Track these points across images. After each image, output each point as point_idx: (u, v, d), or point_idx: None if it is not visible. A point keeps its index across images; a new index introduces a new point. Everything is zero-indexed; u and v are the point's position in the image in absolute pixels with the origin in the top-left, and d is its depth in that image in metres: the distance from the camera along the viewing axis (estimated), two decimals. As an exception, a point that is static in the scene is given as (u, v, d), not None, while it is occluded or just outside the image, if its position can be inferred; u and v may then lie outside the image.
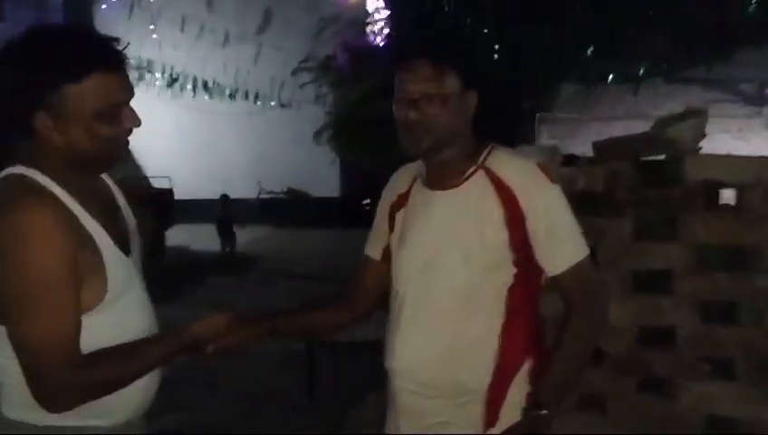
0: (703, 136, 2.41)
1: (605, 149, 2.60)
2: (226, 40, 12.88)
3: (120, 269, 1.30)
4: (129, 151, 1.34)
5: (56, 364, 1.19)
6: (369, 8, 10.81)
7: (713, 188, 2.39)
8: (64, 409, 1.23)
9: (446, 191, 1.50)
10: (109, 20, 12.87)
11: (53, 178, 1.24)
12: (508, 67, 7.06)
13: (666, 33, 6.48)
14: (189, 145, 13.16)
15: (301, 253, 9.82)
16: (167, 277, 7.97)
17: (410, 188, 1.58)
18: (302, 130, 10.72)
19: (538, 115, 7.97)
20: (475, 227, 1.45)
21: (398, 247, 1.57)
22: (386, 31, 10.10)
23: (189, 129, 13.06)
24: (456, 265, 1.46)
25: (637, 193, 2.51)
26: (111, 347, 1.27)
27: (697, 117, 2.43)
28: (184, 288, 7.78)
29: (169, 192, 10.86)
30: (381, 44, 10.13)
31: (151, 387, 1.39)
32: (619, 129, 5.23)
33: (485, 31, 6.81)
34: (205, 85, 11.84)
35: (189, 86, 11.93)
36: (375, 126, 8.72)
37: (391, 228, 1.61)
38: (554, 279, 1.48)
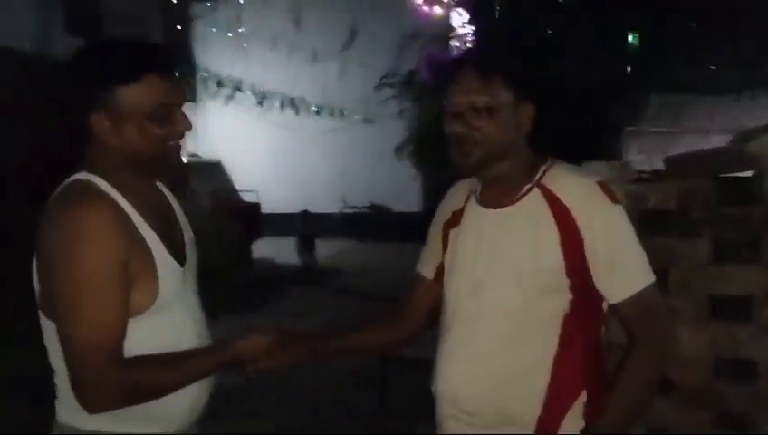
0: (788, 151, 2.20)
1: (678, 165, 2.44)
2: (314, 58, 13.24)
3: (172, 276, 1.33)
4: (180, 156, 1.40)
5: (98, 362, 1.22)
6: (454, 23, 10.81)
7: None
8: (102, 408, 1.25)
9: (499, 210, 1.45)
10: (205, 41, 13.59)
11: (112, 183, 1.30)
12: (592, 76, 6.83)
13: (765, 41, 6.04)
14: (277, 160, 13.59)
15: (380, 267, 9.87)
16: (251, 288, 8.25)
17: (465, 205, 1.53)
18: (384, 145, 10.81)
19: (626, 128, 7.64)
20: (528, 249, 1.38)
21: (452, 266, 1.51)
22: (469, 45, 10.05)
23: (277, 145, 13.49)
24: (507, 289, 1.39)
25: (714, 212, 2.33)
26: (155, 355, 1.30)
27: (781, 130, 2.23)
28: (266, 298, 8.01)
29: (257, 206, 11.24)
30: (464, 58, 10.08)
31: (201, 397, 1.41)
32: (714, 143, 4.91)
33: (567, 40, 6.62)
34: (291, 102, 12.22)
35: (278, 103, 12.35)
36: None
37: (445, 247, 1.56)
38: (615, 308, 1.39)
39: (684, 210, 2.36)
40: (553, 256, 1.36)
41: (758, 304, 2.27)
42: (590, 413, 1.38)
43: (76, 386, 1.24)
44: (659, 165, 3.45)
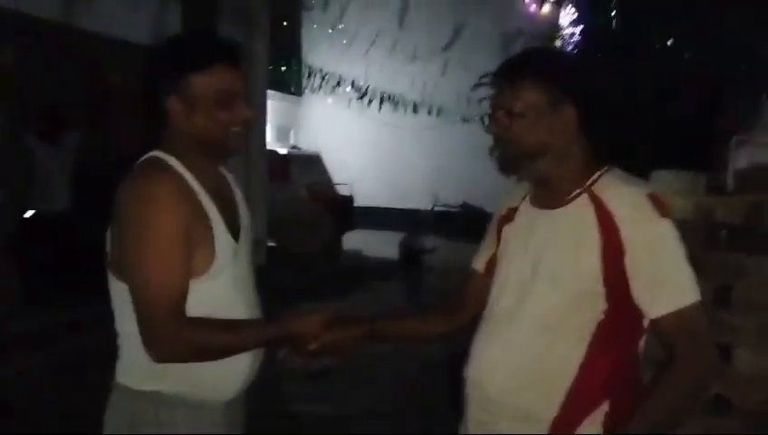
0: None
1: (748, 178, 2.34)
2: (415, 55, 13.35)
3: (227, 249, 1.45)
4: (242, 142, 1.49)
5: (164, 315, 1.32)
6: (563, 21, 10.56)
7: None
8: (167, 359, 1.36)
9: (548, 211, 1.47)
10: (311, 37, 14.07)
11: (181, 161, 1.43)
12: (697, 80, 6.48)
13: None
14: (373, 155, 13.85)
15: (467, 265, 9.84)
16: (337, 277, 8.51)
17: (521, 202, 1.58)
18: (481, 145, 10.67)
19: (735, 137, 7.18)
20: (569, 252, 1.39)
21: (502, 260, 1.56)
22: (575, 43, 9.79)
23: (374, 140, 13.74)
24: (546, 289, 1.42)
25: (783, 229, 2.23)
26: (216, 319, 1.41)
27: None
28: (350, 289, 8.22)
29: (350, 199, 11.52)
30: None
31: (251, 369, 1.51)
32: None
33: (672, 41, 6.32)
34: (391, 99, 12.39)
35: (377, 99, 12.56)
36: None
37: (498, 241, 1.60)
38: (654, 323, 1.36)
39: (752, 225, 2.27)
40: (592, 263, 1.36)
41: (826, 328, 2.15)
42: (610, 424, 1.37)
43: (144, 337, 1.34)
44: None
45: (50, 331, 4.74)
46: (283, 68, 12.72)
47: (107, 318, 1.48)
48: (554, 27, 10.43)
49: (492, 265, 1.60)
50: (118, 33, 6.02)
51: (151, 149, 1.47)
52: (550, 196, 1.47)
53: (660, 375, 1.35)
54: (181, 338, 1.35)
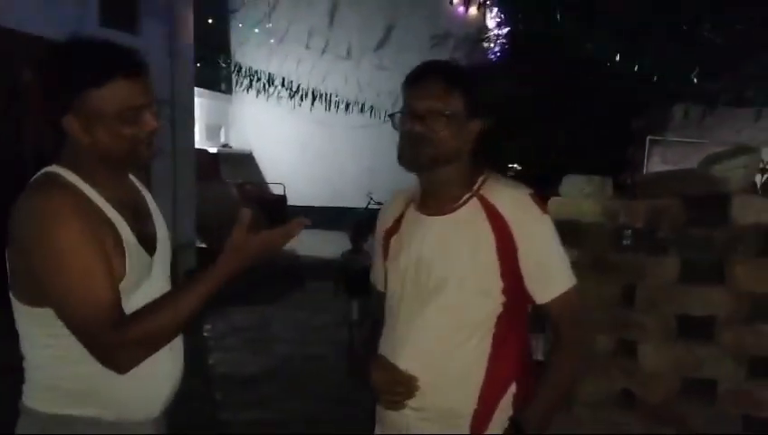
0: (754, 175, 2.21)
1: (648, 184, 2.46)
2: (348, 54, 13.34)
3: (138, 262, 1.37)
4: (152, 151, 1.39)
5: (100, 326, 1.24)
6: (490, 24, 10.76)
7: (765, 233, 2.19)
8: (125, 368, 1.28)
9: (440, 217, 1.53)
10: (240, 36, 13.83)
11: (80, 175, 1.34)
12: (616, 85, 6.75)
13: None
14: (306, 154, 13.75)
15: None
16: (271, 279, 8.41)
17: (404, 212, 1.62)
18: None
19: (649, 138, 7.53)
20: (468, 254, 1.47)
21: (393, 271, 1.59)
22: (501, 47, 10.01)
23: (307, 139, 13.64)
24: (448, 291, 1.48)
25: (681, 232, 2.35)
26: (153, 301, 1.33)
27: (749, 155, 2.23)
28: (285, 291, 8.14)
29: (283, 198, 11.41)
30: (494, 61, 10.06)
31: (172, 385, 1.46)
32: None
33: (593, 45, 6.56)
34: (322, 97, 12.32)
35: (309, 98, 12.48)
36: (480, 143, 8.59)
37: (386, 255, 1.64)
38: (542, 307, 1.51)
39: (652, 229, 2.38)
40: (491, 262, 1.46)
41: (721, 326, 2.29)
42: (518, 402, 1.50)
43: (96, 354, 1.28)
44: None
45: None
46: (218, 67, 12.42)
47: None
48: (481, 30, 10.64)
49: (386, 278, 1.64)
50: (33, 30, 5.75)
51: (49, 162, 1.38)
52: (438, 202, 1.54)
53: (553, 351, 1.53)
54: (131, 342, 1.27)
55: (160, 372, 1.41)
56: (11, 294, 1.36)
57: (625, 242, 2.45)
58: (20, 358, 1.42)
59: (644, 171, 7.53)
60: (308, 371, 4.93)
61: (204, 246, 8.57)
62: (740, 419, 2.26)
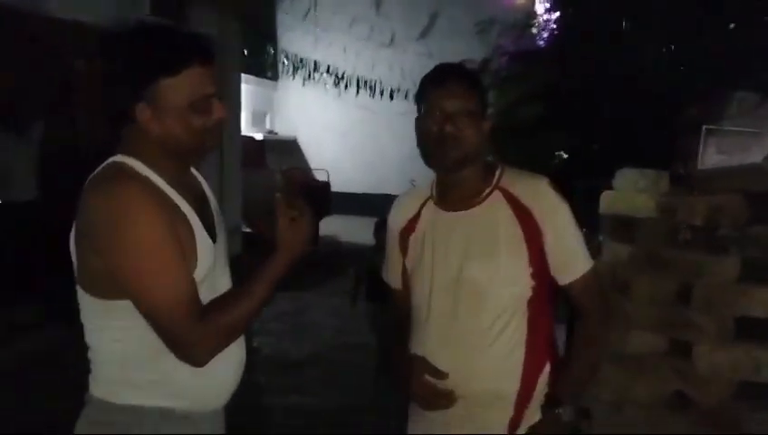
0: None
1: (708, 179, 2.36)
2: (392, 41, 13.28)
3: (207, 251, 1.37)
4: (217, 141, 1.39)
5: (182, 320, 1.25)
6: (539, 9, 10.55)
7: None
8: (204, 360, 1.29)
9: (465, 212, 1.57)
10: (287, 23, 13.89)
11: (149, 166, 1.31)
12: (670, 73, 6.53)
13: None
14: (350, 141, 13.79)
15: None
16: (314, 265, 8.48)
17: (419, 212, 1.64)
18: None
19: (705, 127, 7.26)
20: (497, 246, 1.53)
21: (419, 268, 1.62)
22: (550, 33, 9.80)
23: (351, 125, 13.68)
24: (483, 284, 1.53)
25: (742, 230, 2.26)
26: (217, 298, 1.34)
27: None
28: (327, 277, 8.18)
29: (327, 184, 11.48)
30: (542, 47, 9.86)
31: (235, 378, 1.45)
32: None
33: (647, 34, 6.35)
34: (366, 84, 12.32)
35: (354, 86, 12.49)
36: (524, 132, 8.50)
37: (405, 252, 1.67)
38: (566, 288, 1.58)
39: (711, 226, 2.29)
40: (519, 251, 1.52)
41: (782, 328, 2.19)
42: (553, 379, 1.58)
43: (175, 348, 1.28)
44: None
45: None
46: (264, 54, 12.52)
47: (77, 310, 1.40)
48: (529, 16, 10.43)
49: (405, 277, 1.69)
50: (81, 17, 5.87)
51: (113, 149, 1.35)
52: (460, 197, 1.57)
53: (580, 328, 1.59)
54: (211, 335, 1.28)
55: (230, 362, 1.40)
56: (78, 287, 1.34)
57: (682, 239, 2.36)
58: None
59: (698, 161, 7.29)
60: (348, 358, 4.95)
61: (249, 230, 8.69)
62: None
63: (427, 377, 1.56)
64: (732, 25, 6.00)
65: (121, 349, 1.33)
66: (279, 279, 1.35)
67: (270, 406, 4.09)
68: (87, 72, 5.99)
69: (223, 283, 1.44)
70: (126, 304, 1.28)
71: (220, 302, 1.33)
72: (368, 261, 4.59)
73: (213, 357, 1.30)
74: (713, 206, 2.30)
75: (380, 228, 4.74)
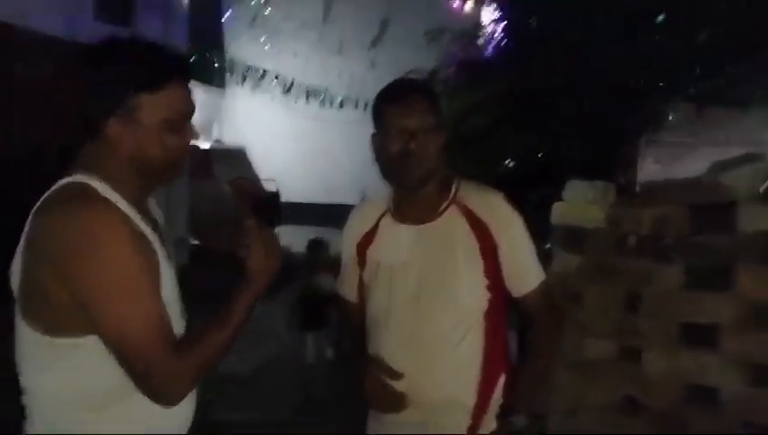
0: (761, 183, 2.21)
1: (654, 191, 2.46)
2: (341, 49, 13.30)
3: (168, 278, 1.30)
4: (183, 164, 1.33)
5: (161, 355, 1.16)
6: (485, 19, 10.74)
7: (770, 241, 2.20)
8: (179, 397, 1.21)
9: (423, 225, 1.59)
10: (233, 29, 13.74)
11: (113, 187, 1.23)
12: (609, 84, 6.74)
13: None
14: (299, 149, 13.72)
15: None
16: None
17: (377, 224, 1.65)
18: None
19: (644, 137, 7.52)
20: (455, 259, 1.54)
21: (376, 280, 1.62)
22: (497, 43, 9.98)
23: (300, 134, 13.61)
24: (441, 296, 1.54)
25: (686, 240, 2.36)
26: (188, 335, 1.28)
27: (757, 162, 2.23)
28: (280, 287, 8.07)
29: (276, 194, 11.37)
30: (490, 57, 10.03)
31: (191, 412, 1.36)
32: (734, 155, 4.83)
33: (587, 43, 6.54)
34: (316, 93, 12.29)
35: (303, 94, 12.44)
36: (473, 141, 8.62)
37: (362, 264, 1.67)
38: (519, 300, 1.61)
39: (656, 236, 2.38)
40: (476, 264, 1.54)
41: (725, 333, 2.29)
42: (507, 389, 1.61)
43: (147, 384, 1.18)
44: (677, 175, 3.40)
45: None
46: (211, 63, 12.31)
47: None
48: (477, 25, 10.61)
49: (361, 290, 1.69)
50: (27, 23, 5.69)
51: (68, 163, 1.26)
52: (418, 211, 1.59)
53: (533, 339, 1.63)
54: (187, 369, 1.20)
55: (192, 395, 1.31)
56: (21, 322, 1.22)
57: (630, 245, 2.45)
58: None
59: (637, 172, 7.53)
60: (296, 369, 4.89)
61: (197, 242, 8.53)
62: (742, 426, 2.26)
63: (382, 378, 1.56)
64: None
65: (73, 390, 1.21)
66: (252, 306, 1.29)
67: (218, 422, 4.03)
68: (30, 78, 5.79)
69: (175, 309, 1.34)
70: (82, 342, 1.18)
71: (195, 333, 1.26)
72: (302, 288, 4.28)
73: (186, 395, 1.22)
74: (658, 217, 2.39)
75: (314, 248, 4.69)
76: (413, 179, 1.53)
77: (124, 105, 1.21)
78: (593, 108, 7.11)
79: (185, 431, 1.35)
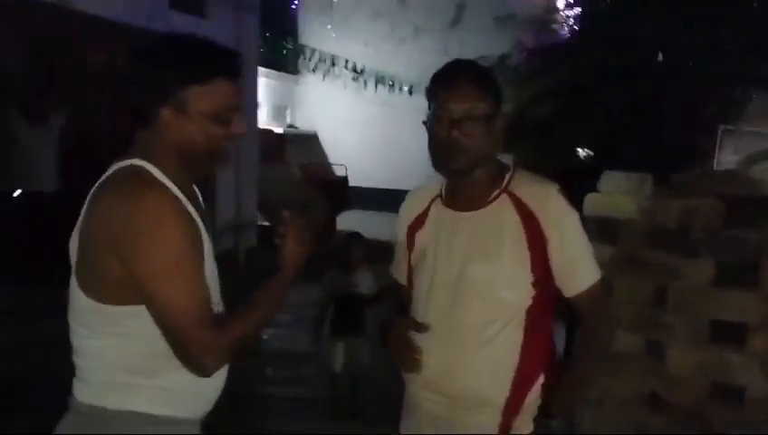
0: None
1: (686, 184, 2.39)
2: (414, 36, 13.29)
3: (210, 260, 1.39)
4: (227, 156, 1.43)
5: (199, 329, 1.27)
6: (560, 4, 10.46)
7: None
8: (213, 369, 1.32)
9: (471, 212, 1.54)
10: (308, 18, 13.99)
11: (163, 172, 1.33)
12: (687, 73, 6.45)
13: None
14: (368, 135, 13.85)
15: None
16: (331, 258, 8.56)
17: (428, 208, 1.63)
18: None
19: (722, 127, 7.16)
20: (500, 249, 1.49)
21: (421, 265, 1.62)
22: (569, 28, 9.71)
23: (369, 120, 13.73)
24: (482, 286, 1.50)
25: (715, 234, 2.29)
26: (244, 306, 1.37)
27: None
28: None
29: (345, 179, 11.57)
30: (562, 43, 9.78)
31: (222, 383, 1.46)
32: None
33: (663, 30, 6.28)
34: (386, 80, 12.36)
35: (373, 80, 12.54)
36: (542, 128, 8.46)
37: (411, 247, 1.66)
38: (570, 300, 1.53)
39: (684, 229, 2.33)
40: (522, 256, 1.48)
41: (752, 331, 2.23)
42: (547, 390, 1.54)
43: (186, 356, 1.29)
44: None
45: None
46: (283, 50, 12.60)
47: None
48: (549, 11, 10.34)
49: (410, 274, 1.66)
50: (101, 12, 6.03)
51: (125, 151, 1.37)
52: (468, 198, 1.54)
53: (581, 340, 1.56)
54: (222, 344, 1.31)
55: (223, 369, 1.42)
56: (78, 289, 1.33)
57: (659, 240, 2.40)
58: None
59: (714, 163, 7.19)
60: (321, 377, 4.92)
61: (266, 223, 8.83)
62: (766, 425, 2.20)
63: (407, 331, 1.55)
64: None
65: (120, 355, 1.32)
66: (287, 291, 1.44)
67: (268, 396, 4.21)
68: (106, 66, 6.14)
69: (215, 288, 1.44)
70: (132, 311, 1.29)
71: (232, 313, 1.37)
72: (334, 287, 3.75)
73: (221, 366, 1.34)
74: (687, 209, 2.33)
75: (352, 245, 4.00)
76: (453, 168, 1.50)
77: (175, 96, 1.30)
78: (670, 96, 6.83)
79: (213, 403, 1.46)
